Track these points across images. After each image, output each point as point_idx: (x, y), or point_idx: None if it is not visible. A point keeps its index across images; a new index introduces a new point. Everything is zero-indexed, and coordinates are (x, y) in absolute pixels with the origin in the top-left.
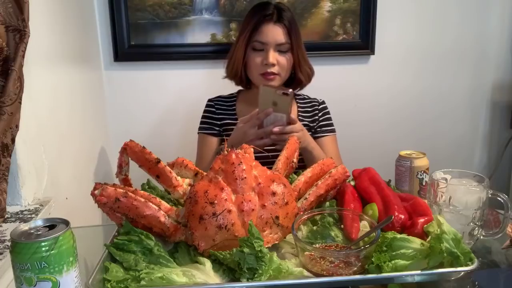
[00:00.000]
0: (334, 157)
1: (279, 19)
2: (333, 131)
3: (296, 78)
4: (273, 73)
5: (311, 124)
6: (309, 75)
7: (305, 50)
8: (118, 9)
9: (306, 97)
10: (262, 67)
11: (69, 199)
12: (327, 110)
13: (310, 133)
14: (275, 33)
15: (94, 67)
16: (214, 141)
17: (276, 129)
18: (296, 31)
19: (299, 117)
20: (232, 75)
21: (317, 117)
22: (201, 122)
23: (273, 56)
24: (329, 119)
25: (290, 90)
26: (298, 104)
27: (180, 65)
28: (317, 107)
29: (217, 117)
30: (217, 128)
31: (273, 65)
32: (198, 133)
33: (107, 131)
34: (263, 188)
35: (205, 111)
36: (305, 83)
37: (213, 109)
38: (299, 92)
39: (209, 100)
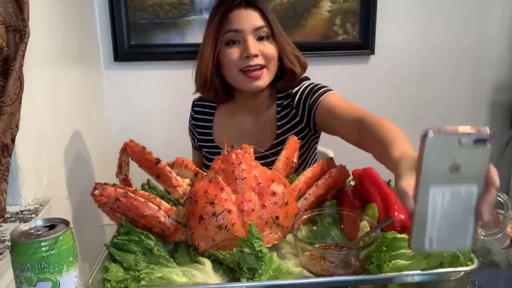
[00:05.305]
0: (347, 107)
1: (249, 3)
2: (328, 90)
3: (286, 69)
4: (258, 66)
5: (299, 125)
6: (301, 62)
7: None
8: (118, 9)
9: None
10: (242, 61)
11: (69, 199)
12: (306, 83)
13: (305, 134)
14: (249, 16)
15: (94, 67)
16: (196, 152)
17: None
18: (272, 14)
19: (281, 129)
20: (202, 85)
21: (296, 106)
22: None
23: (253, 44)
24: (316, 86)
25: (488, 128)
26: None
27: (180, 65)
28: (290, 98)
29: (194, 123)
30: (196, 140)
31: (256, 55)
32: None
33: (107, 131)
34: (263, 188)
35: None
36: (299, 73)
37: (192, 115)
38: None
39: (193, 101)
